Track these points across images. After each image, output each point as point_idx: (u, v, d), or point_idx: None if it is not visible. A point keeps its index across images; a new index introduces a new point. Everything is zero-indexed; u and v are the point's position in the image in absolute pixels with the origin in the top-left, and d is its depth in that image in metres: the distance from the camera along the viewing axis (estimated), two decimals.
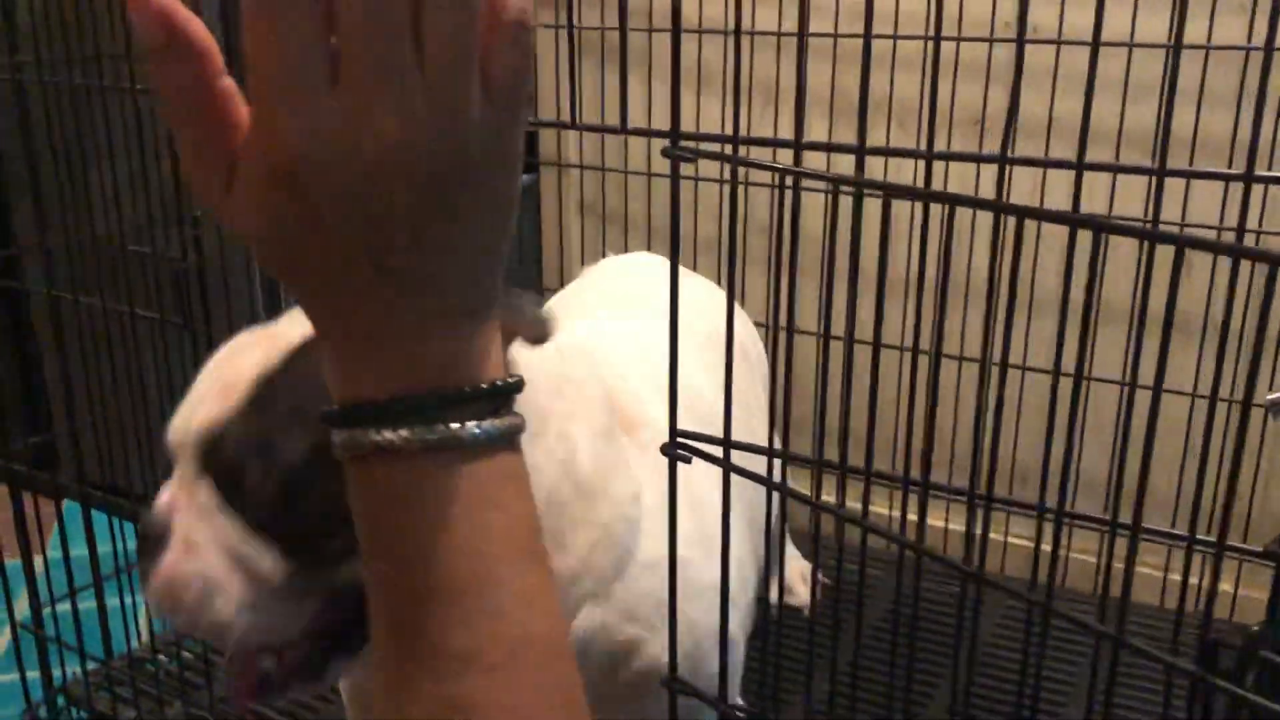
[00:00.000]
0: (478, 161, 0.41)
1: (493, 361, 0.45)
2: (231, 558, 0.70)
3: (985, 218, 0.62)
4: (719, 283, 1.28)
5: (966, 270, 1.44)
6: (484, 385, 0.44)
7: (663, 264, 1.27)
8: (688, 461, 0.77)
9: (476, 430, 0.44)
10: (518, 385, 0.46)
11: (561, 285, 1.73)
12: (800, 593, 1.47)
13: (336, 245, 0.41)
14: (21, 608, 1.36)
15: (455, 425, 0.43)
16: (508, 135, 0.42)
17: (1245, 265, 0.52)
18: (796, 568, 1.51)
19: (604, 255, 1.73)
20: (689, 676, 0.82)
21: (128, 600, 1.25)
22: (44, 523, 1.26)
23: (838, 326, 0.75)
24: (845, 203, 0.67)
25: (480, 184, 0.42)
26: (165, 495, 0.72)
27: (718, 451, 0.76)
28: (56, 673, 1.27)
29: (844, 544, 0.73)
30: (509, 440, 0.45)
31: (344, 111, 0.39)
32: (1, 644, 1.67)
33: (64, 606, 1.24)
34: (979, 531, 0.65)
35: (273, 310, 1.67)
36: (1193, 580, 0.61)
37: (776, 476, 0.74)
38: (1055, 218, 0.56)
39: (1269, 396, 0.73)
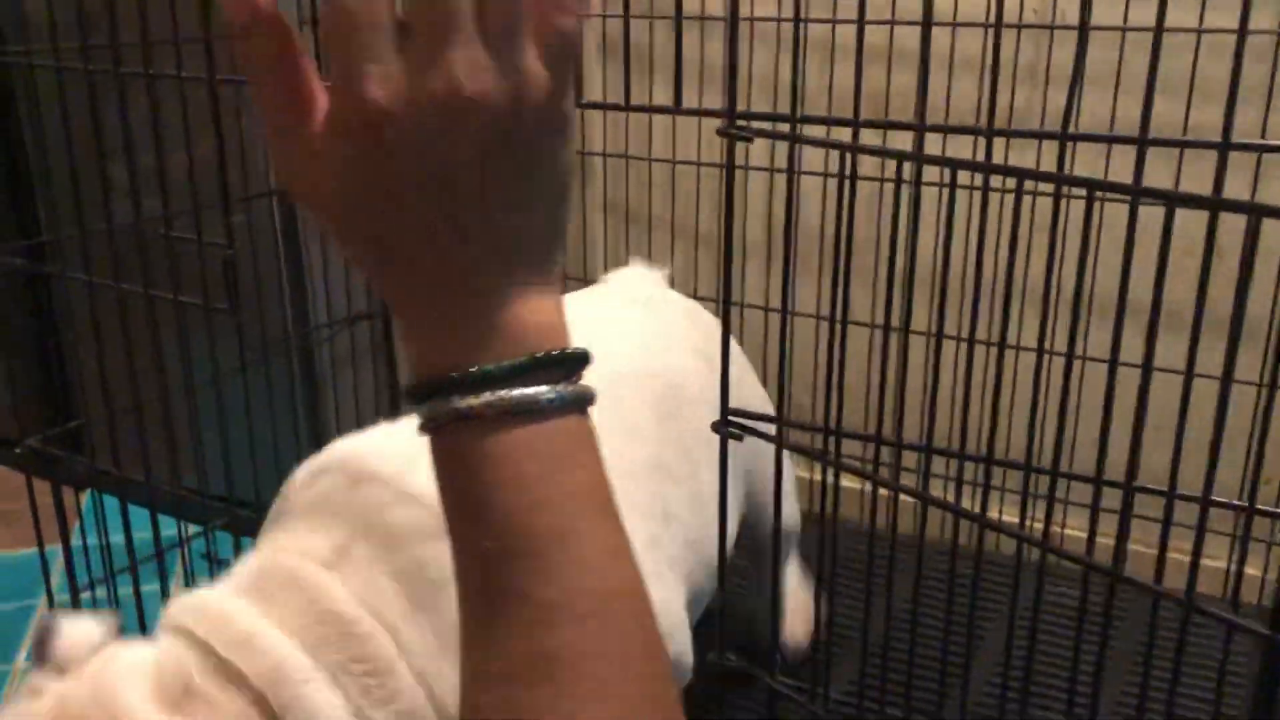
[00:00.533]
0: (536, 122, 0.44)
1: (561, 329, 0.47)
2: None
3: (1043, 214, 0.62)
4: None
5: (1026, 257, 1.41)
6: (556, 352, 0.46)
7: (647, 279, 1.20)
8: (739, 439, 0.78)
9: (552, 395, 0.46)
10: (587, 356, 0.48)
11: (584, 274, 1.74)
12: (797, 635, 1.23)
13: (414, 204, 0.44)
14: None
15: (532, 390, 0.45)
16: (560, 99, 0.45)
17: None
18: (800, 604, 1.27)
19: (627, 251, 1.73)
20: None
21: (151, 587, 1.26)
22: (66, 513, 1.27)
23: (873, 317, 0.76)
24: (896, 192, 0.68)
25: (540, 145, 0.45)
26: None
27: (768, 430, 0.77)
28: None
29: (896, 529, 0.74)
30: (581, 405, 0.47)
31: (416, 64, 0.42)
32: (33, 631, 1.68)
33: (90, 595, 1.25)
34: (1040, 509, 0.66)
35: (297, 298, 1.68)
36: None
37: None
38: (1117, 188, 0.57)
39: None
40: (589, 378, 0.48)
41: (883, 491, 0.71)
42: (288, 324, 1.72)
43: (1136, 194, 0.57)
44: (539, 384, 0.45)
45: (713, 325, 1.11)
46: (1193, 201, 0.54)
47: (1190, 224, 0.60)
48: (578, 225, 1.80)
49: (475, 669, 0.46)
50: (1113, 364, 0.63)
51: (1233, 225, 0.58)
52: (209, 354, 1.13)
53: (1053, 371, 0.68)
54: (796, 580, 1.34)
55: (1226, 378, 0.58)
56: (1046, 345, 0.65)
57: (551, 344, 0.46)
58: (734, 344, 1.21)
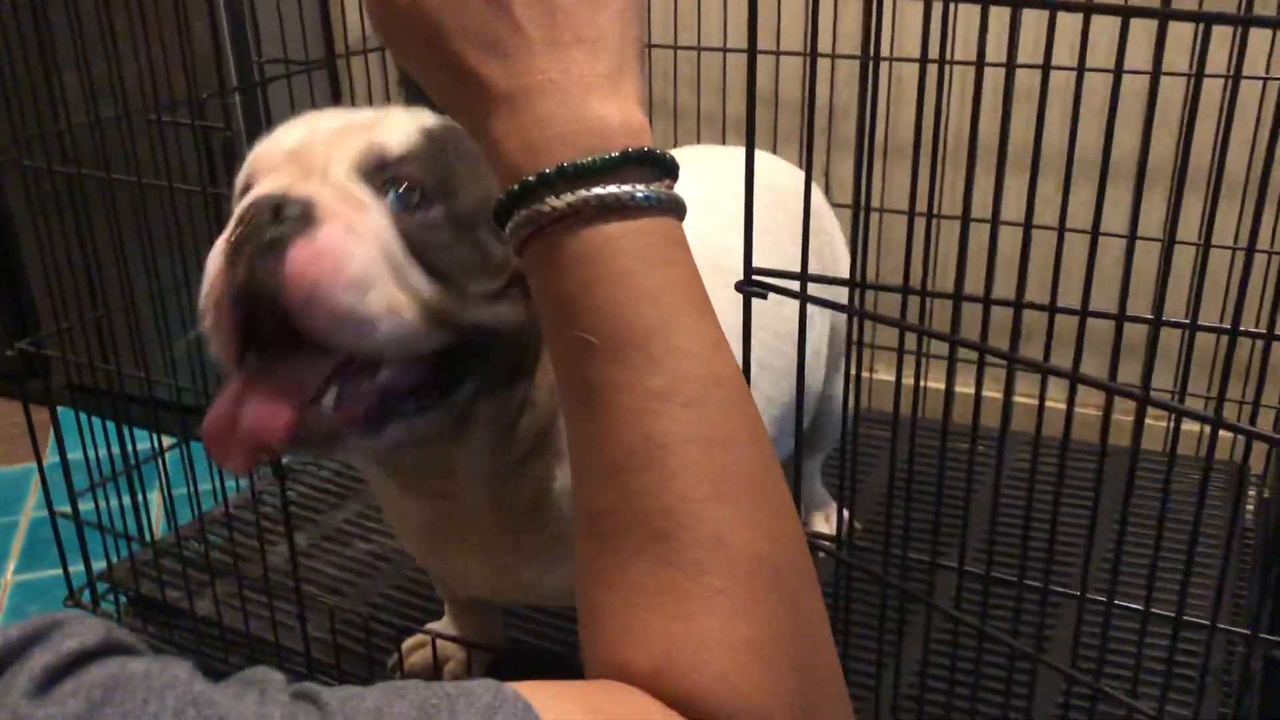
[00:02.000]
0: None
1: (647, 132, 0.48)
2: (389, 261, 0.65)
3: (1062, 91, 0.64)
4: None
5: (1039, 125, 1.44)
6: (645, 150, 0.47)
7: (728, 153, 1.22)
8: (763, 297, 0.80)
9: (646, 192, 0.46)
10: (674, 160, 0.49)
11: None
12: (819, 527, 1.30)
13: (479, 10, 0.46)
14: (30, 510, 1.37)
15: (626, 187, 0.46)
16: None
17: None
18: (821, 503, 1.34)
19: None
20: None
21: (127, 499, 1.26)
22: (42, 426, 1.26)
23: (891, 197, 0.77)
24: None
25: None
26: (283, 186, 0.66)
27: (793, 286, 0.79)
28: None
29: (919, 410, 0.76)
30: (673, 206, 0.48)
31: None
32: (18, 544, 1.67)
33: (85, 505, 1.25)
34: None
35: None
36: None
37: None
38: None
39: None
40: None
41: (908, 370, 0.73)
42: None
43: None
44: (632, 182, 0.46)
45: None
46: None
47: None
48: None
49: (588, 466, 0.47)
50: (1134, 223, 0.65)
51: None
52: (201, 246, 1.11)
53: (1074, 220, 0.69)
54: (819, 487, 1.37)
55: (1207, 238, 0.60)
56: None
57: (640, 142, 0.47)
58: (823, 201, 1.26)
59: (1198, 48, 0.58)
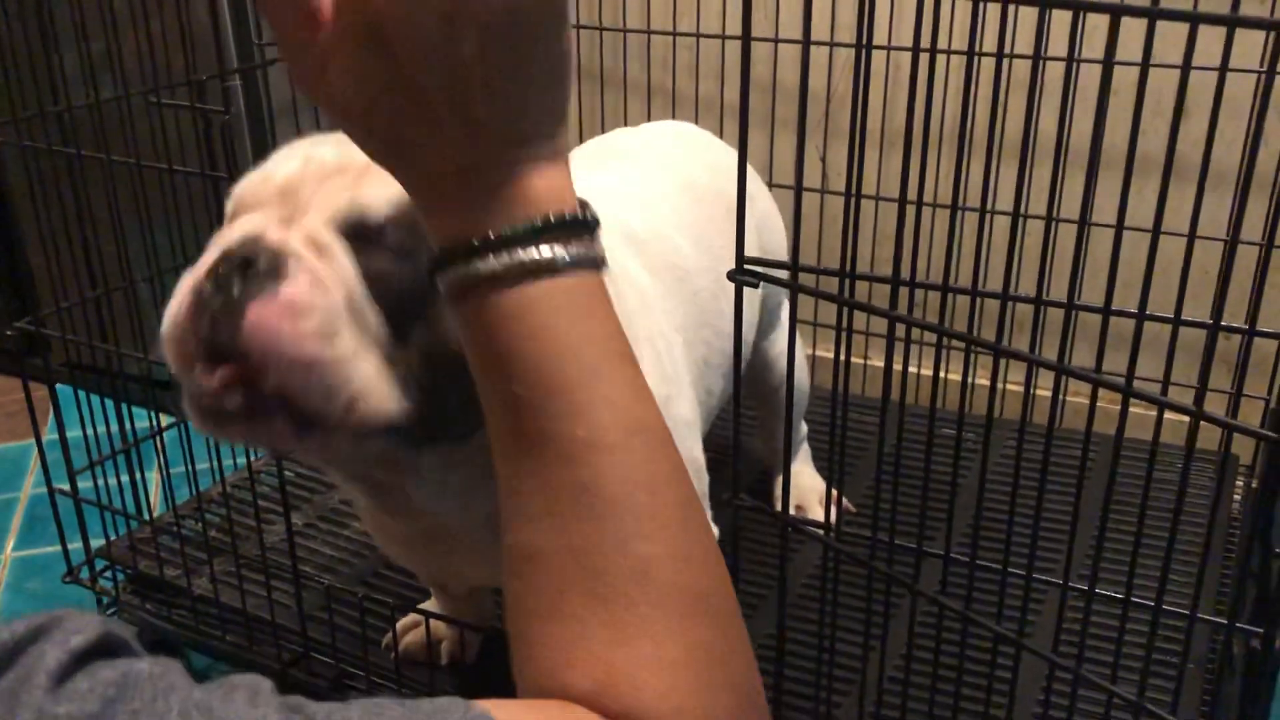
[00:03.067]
0: (532, 22, 0.48)
1: (570, 195, 0.52)
2: (353, 311, 0.65)
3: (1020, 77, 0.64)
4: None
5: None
6: (568, 215, 0.50)
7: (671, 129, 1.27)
8: (755, 286, 0.80)
9: (566, 255, 0.50)
10: (596, 221, 0.52)
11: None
12: (814, 511, 1.34)
13: (423, 99, 0.48)
14: (29, 487, 1.39)
15: (548, 251, 0.49)
16: None
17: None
18: (811, 485, 1.37)
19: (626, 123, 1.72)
20: None
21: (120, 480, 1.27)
22: (41, 404, 1.27)
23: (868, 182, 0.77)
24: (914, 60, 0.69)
25: (538, 33, 0.49)
26: (259, 229, 0.66)
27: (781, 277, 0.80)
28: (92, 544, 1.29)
29: (906, 368, 0.77)
30: (594, 264, 0.51)
31: None
32: (17, 520, 1.68)
33: (83, 484, 1.26)
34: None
35: None
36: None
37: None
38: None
39: None
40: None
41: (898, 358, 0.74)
42: None
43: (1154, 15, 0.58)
44: (554, 244, 0.50)
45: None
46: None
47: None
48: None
49: (518, 510, 0.50)
50: (1122, 210, 0.65)
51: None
52: (200, 228, 1.12)
53: (1066, 210, 0.70)
54: (807, 465, 1.41)
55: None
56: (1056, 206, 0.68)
57: (562, 208, 0.50)
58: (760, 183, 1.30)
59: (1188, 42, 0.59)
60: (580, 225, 0.51)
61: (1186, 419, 0.61)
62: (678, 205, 1.09)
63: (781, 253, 1.22)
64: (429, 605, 1.15)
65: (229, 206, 0.72)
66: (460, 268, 0.50)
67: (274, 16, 0.50)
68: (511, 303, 0.49)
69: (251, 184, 0.70)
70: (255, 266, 0.64)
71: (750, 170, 1.38)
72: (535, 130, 0.50)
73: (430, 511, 0.80)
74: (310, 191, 0.68)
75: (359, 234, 0.67)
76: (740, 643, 0.50)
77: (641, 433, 0.50)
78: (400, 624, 1.15)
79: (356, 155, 0.67)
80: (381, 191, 0.67)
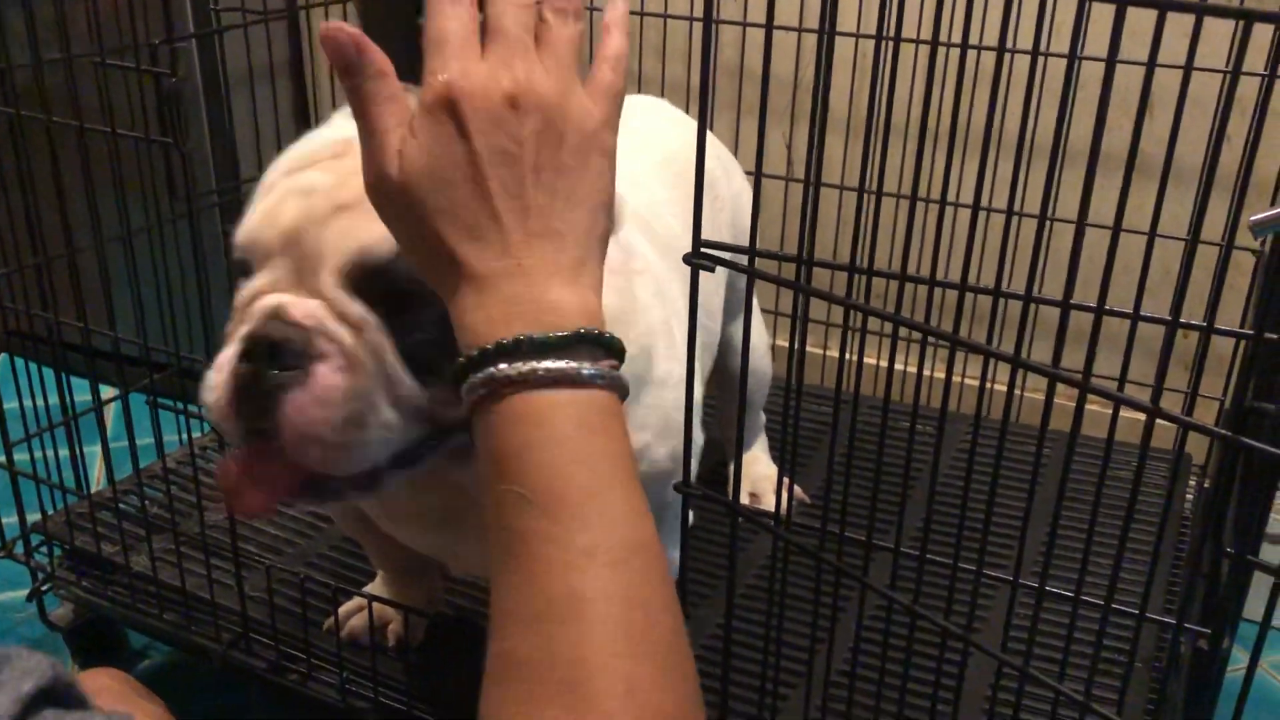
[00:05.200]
0: (582, 135, 0.54)
1: (600, 317, 0.54)
2: (384, 378, 0.68)
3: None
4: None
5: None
6: (596, 332, 0.53)
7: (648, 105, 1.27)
8: (710, 270, 0.79)
9: (591, 370, 0.52)
10: (621, 345, 0.54)
11: None
12: (768, 499, 1.34)
13: (483, 176, 0.53)
14: None
15: (574, 362, 0.52)
16: (603, 129, 0.56)
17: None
18: (766, 474, 1.37)
19: None
20: (666, 454, 0.91)
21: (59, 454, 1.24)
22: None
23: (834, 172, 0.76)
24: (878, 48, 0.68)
25: (585, 153, 0.55)
26: (281, 303, 0.68)
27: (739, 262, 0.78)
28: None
29: (863, 359, 0.76)
30: (613, 383, 0.53)
31: (489, 62, 0.54)
32: None
33: (20, 456, 1.23)
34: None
35: (225, 150, 1.62)
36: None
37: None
38: None
39: (1254, 217, 0.76)
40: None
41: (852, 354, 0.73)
42: (213, 177, 1.67)
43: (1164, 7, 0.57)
44: (580, 358, 0.52)
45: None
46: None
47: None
48: None
49: (508, 614, 0.50)
50: (1084, 206, 0.65)
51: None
52: (148, 196, 1.09)
53: (1029, 204, 0.69)
54: (763, 452, 1.40)
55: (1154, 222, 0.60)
56: (1018, 202, 0.67)
57: (592, 325, 0.53)
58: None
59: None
60: (606, 345, 0.53)
61: (1145, 416, 0.60)
62: (664, 181, 1.08)
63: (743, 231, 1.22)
64: (373, 588, 1.13)
65: (237, 253, 0.73)
66: (485, 369, 0.52)
67: (367, 108, 0.55)
68: (530, 406, 0.51)
69: (255, 229, 0.72)
70: (284, 352, 0.67)
71: (725, 150, 1.39)
72: (575, 247, 0.54)
73: (462, 483, 0.80)
74: (315, 236, 0.69)
75: (373, 278, 0.68)
76: None
77: (642, 552, 0.51)
78: (344, 608, 1.13)
79: (350, 183, 0.68)
80: (382, 230, 0.66)
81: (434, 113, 0.53)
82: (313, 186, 0.70)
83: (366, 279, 0.68)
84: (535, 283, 0.52)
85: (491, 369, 0.51)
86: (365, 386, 0.67)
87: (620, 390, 0.54)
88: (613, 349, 0.54)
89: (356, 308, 0.68)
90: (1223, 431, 0.53)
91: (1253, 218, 0.74)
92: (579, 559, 0.49)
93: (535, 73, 0.54)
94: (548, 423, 0.51)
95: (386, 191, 0.55)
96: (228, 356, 0.70)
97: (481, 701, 0.50)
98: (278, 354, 0.67)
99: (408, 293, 0.67)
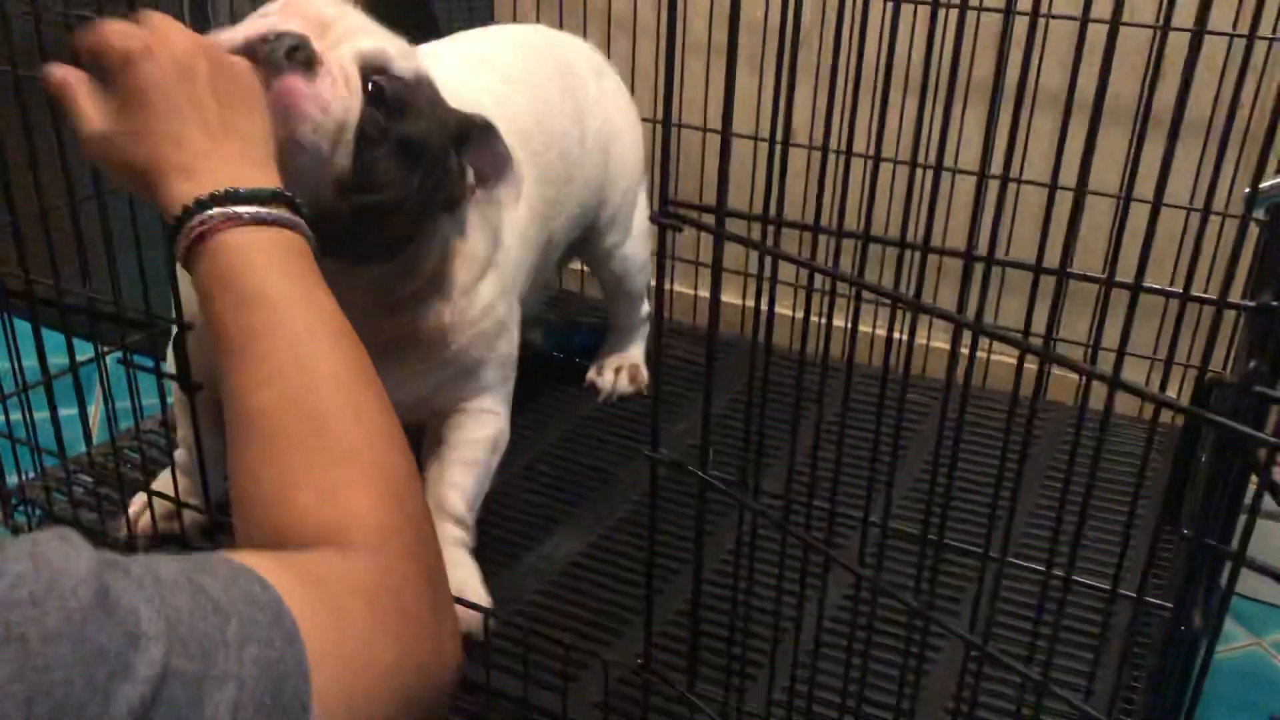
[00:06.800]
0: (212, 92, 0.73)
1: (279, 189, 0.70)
2: (339, 131, 0.86)
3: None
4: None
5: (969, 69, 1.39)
6: (282, 191, 0.70)
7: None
8: (679, 230, 0.77)
9: (287, 215, 0.69)
10: (296, 201, 0.70)
11: None
12: (605, 379, 1.47)
13: (175, 97, 0.71)
14: None
15: (267, 209, 0.67)
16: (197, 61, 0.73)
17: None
18: (628, 359, 1.50)
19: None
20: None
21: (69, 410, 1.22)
22: None
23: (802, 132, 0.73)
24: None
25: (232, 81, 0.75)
26: (306, 34, 0.85)
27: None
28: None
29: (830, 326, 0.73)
30: (303, 229, 0.69)
31: (136, 44, 0.72)
32: None
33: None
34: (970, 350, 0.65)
35: None
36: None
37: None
38: None
39: (1263, 184, 0.72)
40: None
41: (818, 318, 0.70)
42: None
43: None
44: (270, 206, 0.67)
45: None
46: None
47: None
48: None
49: (242, 384, 0.63)
50: (1059, 150, 0.62)
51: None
52: None
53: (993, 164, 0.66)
54: (641, 337, 1.53)
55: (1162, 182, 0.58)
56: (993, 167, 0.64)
57: (276, 187, 0.69)
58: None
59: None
60: (296, 205, 0.70)
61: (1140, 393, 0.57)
62: (544, 77, 1.29)
63: (632, 164, 1.42)
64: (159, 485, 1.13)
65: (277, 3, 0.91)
66: (204, 212, 0.66)
67: (70, 108, 0.74)
68: (241, 240, 0.66)
69: (277, 19, 0.87)
70: (297, 55, 0.84)
71: (605, 62, 1.39)
72: (258, 147, 0.73)
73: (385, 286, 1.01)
74: (340, 28, 0.88)
75: (377, 74, 0.89)
76: (415, 481, 0.64)
77: (349, 335, 0.66)
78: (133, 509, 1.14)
79: (352, 15, 0.92)
80: (402, 62, 0.92)
81: (122, 81, 0.71)
82: (322, 10, 0.90)
83: (371, 71, 0.88)
84: (230, 164, 0.69)
85: (209, 212, 0.66)
86: (342, 120, 0.86)
87: (309, 239, 0.69)
88: (296, 207, 0.69)
89: (356, 81, 0.87)
90: (1178, 403, 0.51)
91: (1262, 184, 0.71)
92: (302, 335, 0.63)
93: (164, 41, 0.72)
94: (256, 248, 0.66)
95: (97, 142, 0.72)
96: (244, 30, 0.85)
97: (230, 459, 0.62)
98: (292, 52, 0.83)
99: (394, 107, 0.89)
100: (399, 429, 0.64)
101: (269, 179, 0.70)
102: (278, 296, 0.64)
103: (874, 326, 1.36)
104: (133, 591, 0.42)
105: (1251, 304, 0.61)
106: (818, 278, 0.68)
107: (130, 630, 0.40)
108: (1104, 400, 0.58)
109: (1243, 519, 0.55)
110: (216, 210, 0.66)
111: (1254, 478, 0.54)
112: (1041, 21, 0.61)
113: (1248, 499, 0.54)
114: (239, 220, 0.66)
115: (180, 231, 0.67)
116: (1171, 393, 0.73)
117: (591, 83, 1.37)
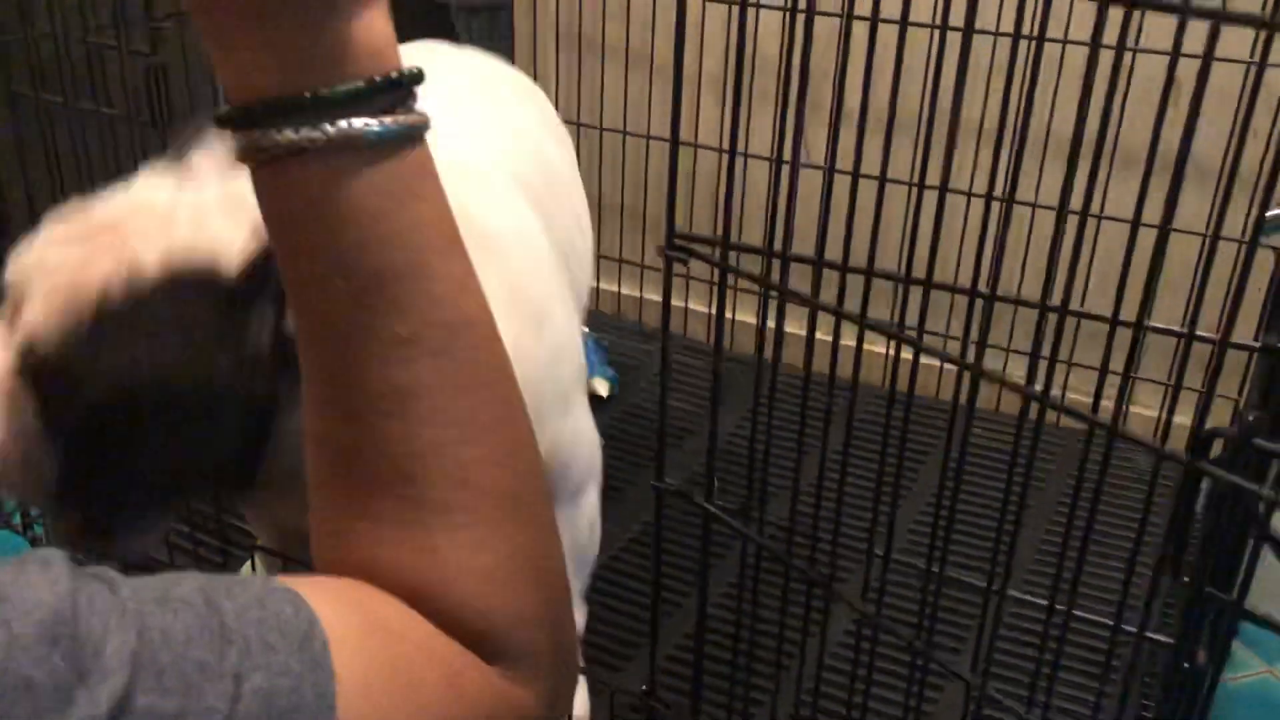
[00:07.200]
0: None
1: (394, 49, 0.44)
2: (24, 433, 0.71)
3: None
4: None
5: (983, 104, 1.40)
6: (394, 75, 0.43)
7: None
8: (684, 262, 0.77)
9: (392, 126, 0.43)
10: (418, 75, 0.44)
11: None
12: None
13: None
14: None
15: (370, 121, 0.42)
16: None
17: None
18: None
19: (580, 81, 1.67)
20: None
21: None
22: None
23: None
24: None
25: None
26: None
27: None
28: None
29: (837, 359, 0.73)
30: (419, 136, 0.44)
31: None
32: None
33: None
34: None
35: None
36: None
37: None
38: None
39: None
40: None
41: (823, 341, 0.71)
42: None
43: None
44: (374, 110, 0.42)
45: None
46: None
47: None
48: (528, 59, 1.73)
49: (330, 400, 0.46)
50: (1065, 196, 0.62)
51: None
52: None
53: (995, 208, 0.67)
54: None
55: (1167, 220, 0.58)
56: (997, 192, 0.64)
57: (386, 67, 0.43)
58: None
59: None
60: (405, 85, 0.43)
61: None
62: (523, 106, 1.18)
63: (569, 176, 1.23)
64: None
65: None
66: (263, 130, 0.42)
67: None
68: (327, 180, 0.42)
69: (21, 269, 0.72)
70: None
71: (527, 83, 1.35)
72: None
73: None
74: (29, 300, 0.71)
75: (33, 364, 0.70)
76: (551, 542, 0.49)
77: (467, 330, 0.46)
78: None
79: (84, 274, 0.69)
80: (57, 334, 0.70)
81: None
82: (60, 265, 0.70)
83: (33, 366, 0.70)
84: (309, 19, 0.41)
85: (265, 132, 0.42)
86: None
87: (425, 132, 0.45)
88: (413, 82, 0.44)
89: (11, 377, 0.70)
90: (1179, 455, 0.51)
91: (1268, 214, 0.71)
92: (399, 350, 0.44)
93: None
94: (349, 199, 0.42)
95: None
96: None
97: (313, 482, 0.47)
98: None
99: (59, 395, 0.70)
100: (523, 459, 0.49)
101: (369, 35, 0.44)
102: (374, 283, 0.45)
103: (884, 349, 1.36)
104: (104, 619, 0.37)
105: (1257, 344, 0.61)
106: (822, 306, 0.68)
107: (81, 665, 0.36)
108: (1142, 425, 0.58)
109: (1245, 559, 0.55)
110: (283, 137, 0.42)
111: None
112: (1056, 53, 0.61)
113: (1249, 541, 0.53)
114: (324, 153, 0.43)
115: (236, 133, 0.44)
116: (1182, 418, 0.73)
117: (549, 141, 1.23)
